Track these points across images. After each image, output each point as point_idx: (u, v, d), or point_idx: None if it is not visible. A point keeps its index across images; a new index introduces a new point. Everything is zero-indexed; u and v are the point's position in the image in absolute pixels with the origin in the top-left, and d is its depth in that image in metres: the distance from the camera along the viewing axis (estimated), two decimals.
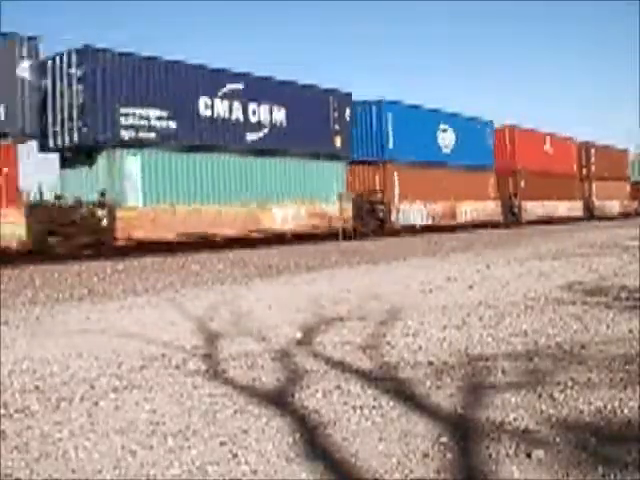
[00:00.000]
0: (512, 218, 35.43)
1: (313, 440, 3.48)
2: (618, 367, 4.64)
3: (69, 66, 18.64)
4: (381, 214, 26.96)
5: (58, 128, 18.91)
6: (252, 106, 22.45)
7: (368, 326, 6.69)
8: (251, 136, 22.28)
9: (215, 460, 3.24)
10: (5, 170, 16.05)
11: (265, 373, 4.92)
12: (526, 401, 3.98)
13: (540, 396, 4.06)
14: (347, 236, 24.00)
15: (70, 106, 18.58)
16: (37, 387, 4.76)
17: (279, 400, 4.21)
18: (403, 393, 4.25)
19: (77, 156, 19.35)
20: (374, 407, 3.99)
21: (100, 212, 18.27)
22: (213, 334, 6.52)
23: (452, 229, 30.19)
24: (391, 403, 4.05)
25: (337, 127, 25.05)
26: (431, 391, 4.27)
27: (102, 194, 18.60)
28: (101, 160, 19.05)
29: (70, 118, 18.62)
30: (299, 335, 6.31)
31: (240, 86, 22.07)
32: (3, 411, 4.18)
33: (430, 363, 5.02)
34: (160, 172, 19.84)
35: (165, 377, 4.92)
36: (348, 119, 25.50)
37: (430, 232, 28.20)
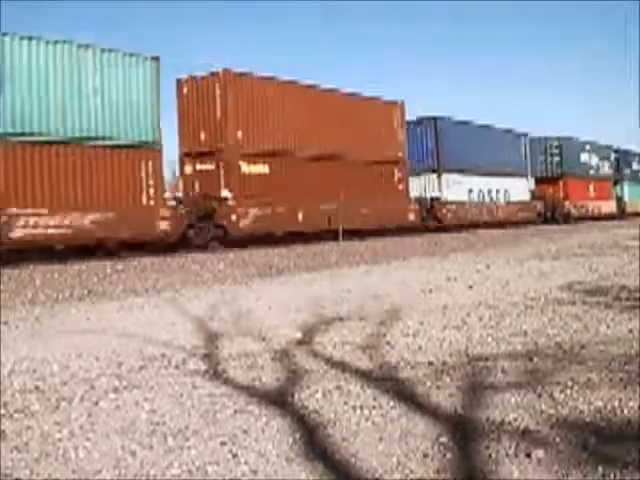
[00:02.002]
0: None
1: (313, 440, 3.48)
2: (618, 367, 4.64)
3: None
4: None
5: None
6: None
7: (368, 326, 6.70)
8: None
9: (215, 460, 3.24)
10: None
11: (265, 373, 4.92)
12: (526, 401, 3.98)
13: (540, 396, 4.06)
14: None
15: None
16: (37, 387, 4.77)
17: (279, 400, 4.21)
18: (403, 393, 4.25)
19: None
20: (374, 407, 3.99)
21: None
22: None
23: None
24: (391, 403, 4.05)
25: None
26: (431, 391, 4.27)
27: None
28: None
29: None
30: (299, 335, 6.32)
31: None
32: (3, 411, 4.18)
33: (430, 363, 5.02)
34: None
35: (165, 377, 4.92)
36: None
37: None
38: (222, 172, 21.32)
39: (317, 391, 4.36)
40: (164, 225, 18.88)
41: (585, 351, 5.21)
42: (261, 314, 7.73)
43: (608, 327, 6.15)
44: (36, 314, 8.53)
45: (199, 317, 7.56)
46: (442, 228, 29.38)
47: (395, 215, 26.56)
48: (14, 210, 15.99)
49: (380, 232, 25.17)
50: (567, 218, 38.68)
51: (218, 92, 21.25)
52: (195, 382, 4.72)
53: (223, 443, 3.47)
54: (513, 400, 4.00)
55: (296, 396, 4.28)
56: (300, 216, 22.84)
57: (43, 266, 14.74)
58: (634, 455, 3.07)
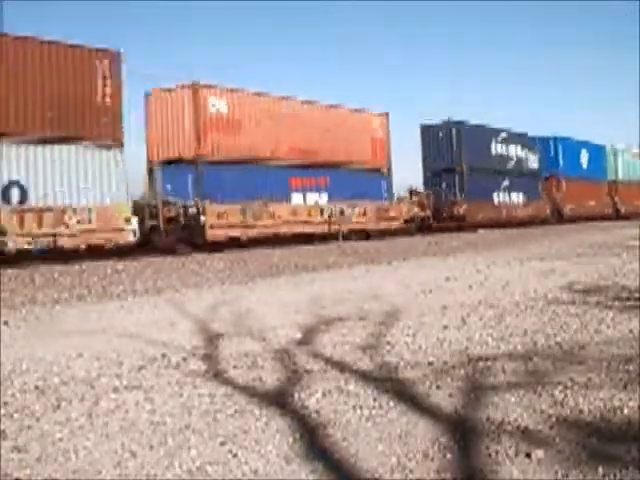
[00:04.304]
0: None
1: (313, 440, 3.48)
2: (618, 367, 4.64)
3: None
4: None
5: None
6: None
7: (368, 326, 6.70)
8: None
9: (215, 460, 3.24)
10: None
11: (265, 373, 4.92)
12: (526, 401, 3.98)
13: (540, 396, 4.06)
14: None
15: None
16: (37, 387, 4.77)
17: (279, 400, 4.21)
18: (403, 393, 4.25)
19: None
20: (374, 407, 3.99)
21: None
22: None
23: None
24: (391, 403, 4.05)
25: None
26: (431, 391, 4.27)
27: None
28: None
29: None
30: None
31: None
32: (3, 411, 4.18)
33: (430, 363, 5.02)
34: None
35: (165, 377, 4.92)
36: None
37: None
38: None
39: (317, 391, 4.36)
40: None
41: (585, 351, 5.21)
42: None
43: (608, 327, 6.15)
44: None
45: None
46: None
47: None
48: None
49: None
50: None
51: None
52: (195, 382, 4.73)
53: (223, 443, 3.47)
54: (513, 400, 4.00)
55: (296, 396, 4.28)
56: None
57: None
58: (634, 455, 3.07)
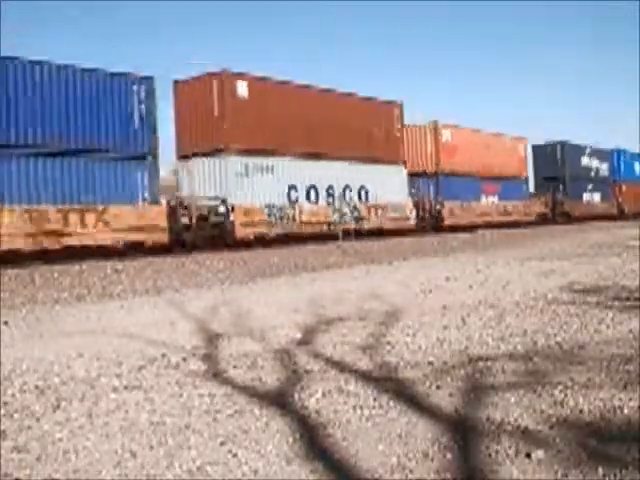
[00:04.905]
0: None
1: (313, 440, 3.48)
2: (618, 367, 4.64)
3: None
4: None
5: None
6: None
7: (368, 326, 6.70)
8: None
9: (215, 460, 3.24)
10: None
11: (265, 373, 4.92)
12: (526, 401, 3.98)
13: (540, 396, 4.06)
14: None
15: None
16: (37, 387, 4.77)
17: (279, 400, 4.21)
18: (403, 393, 4.25)
19: None
20: (374, 407, 3.99)
21: None
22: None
23: None
24: (391, 403, 4.05)
25: None
26: (431, 391, 4.27)
27: None
28: None
29: None
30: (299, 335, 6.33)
31: None
32: (3, 411, 4.18)
33: (430, 363, 5.02)
34: None
35: (165, 377, 4.92)
36: None
37: None
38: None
39: (317, 391, 4.36)
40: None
41: (585, 351, 5.21)
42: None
43: (608, 327, 6.15)
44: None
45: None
46: None
47: None
48: None
49: None
50: None
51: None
52: (195, 382, 4.73)
53: (223, 443, 3.47)
54: (513, 400, 4.00)
55: (296, 396, 4.28)
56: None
57: None
58: (634, 455, 3.07)
